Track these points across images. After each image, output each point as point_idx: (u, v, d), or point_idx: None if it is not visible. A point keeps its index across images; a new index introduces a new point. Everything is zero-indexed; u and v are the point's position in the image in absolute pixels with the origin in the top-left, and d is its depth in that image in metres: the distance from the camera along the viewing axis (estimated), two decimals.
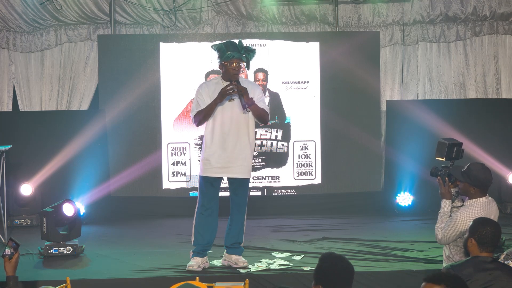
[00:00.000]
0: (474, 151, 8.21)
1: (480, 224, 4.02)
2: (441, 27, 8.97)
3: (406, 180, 8.58)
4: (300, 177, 8.68)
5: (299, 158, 8.66)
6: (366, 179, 8.71)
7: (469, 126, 8.51)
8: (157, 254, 6.51)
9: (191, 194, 8.47)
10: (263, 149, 8.63)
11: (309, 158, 8.67)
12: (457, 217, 4.62)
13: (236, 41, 5.75)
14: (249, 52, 5.68)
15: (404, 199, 8.60)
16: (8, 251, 4.17)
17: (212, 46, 5.82)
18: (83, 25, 8.73)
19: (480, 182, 4.65)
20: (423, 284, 2.95)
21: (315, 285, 3.20)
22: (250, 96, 5.64)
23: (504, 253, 4.69)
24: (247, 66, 5.80)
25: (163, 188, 8.58)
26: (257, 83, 8.28)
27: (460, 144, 4.87)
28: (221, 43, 5.77)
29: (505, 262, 4.41)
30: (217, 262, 5.99)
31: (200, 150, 7.42)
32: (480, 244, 3.97)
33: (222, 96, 5.61)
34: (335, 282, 3.17)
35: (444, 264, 4.79)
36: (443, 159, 4.85)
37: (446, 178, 4.78)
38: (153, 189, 8.56)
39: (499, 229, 4.07)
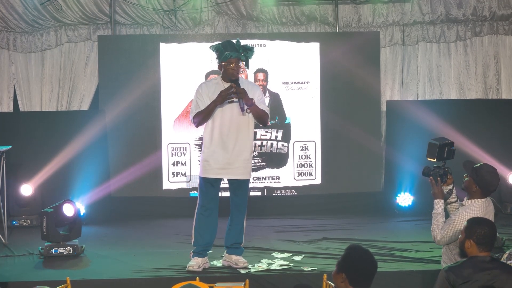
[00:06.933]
0: (474, 151, 8.21)
1: (476, 225, 4.02)
2: (441, 28, 8.97)
3: (406, 180, 8.57)
4: (300, 177, 8.67)
5: (299, 158, 8.66)
6: (366, 179, 8.71)
7: (469, 127, 8.50)
8: (157, 254, 6.51)
9: (191, 195, 8.47)
10: (263, 149, 8.63)
11: (309, 158, 8.67)
12: (456, 218, 4.61)
13: (234, 40, 5.75)
14: (248, 51, 5.67)
15: (404, 199, 8.60)
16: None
17: (210, 47, 5.80)
18: (83, 25, 8.72)
19: (484, 182, 4.65)
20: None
21: (337, 272, 3.30)
22: (250, 97, 5.64)
23: (507, 252, 4.70)
24: (246, 65, 5.78)
25: (163, 188, 8.58)
26: (257, 83, 8.29)
27: (452, 143, 4.88)
28: (218, 44, 5.76)
29: (508, 262, 4.42)
30: (217, 263, 5.99)
31: (200, 151, 7.42)
32: (479, 245, 3.98)
33: (222, 99, 5.60)
34: (360, 273, 3.27)
35: (442, 262, 4.80)
36: (434, 160, 4.87)
37: (438, 178, 4.79)
38: (153, 190, 8.55)
39: (495, 228, 4.09)
